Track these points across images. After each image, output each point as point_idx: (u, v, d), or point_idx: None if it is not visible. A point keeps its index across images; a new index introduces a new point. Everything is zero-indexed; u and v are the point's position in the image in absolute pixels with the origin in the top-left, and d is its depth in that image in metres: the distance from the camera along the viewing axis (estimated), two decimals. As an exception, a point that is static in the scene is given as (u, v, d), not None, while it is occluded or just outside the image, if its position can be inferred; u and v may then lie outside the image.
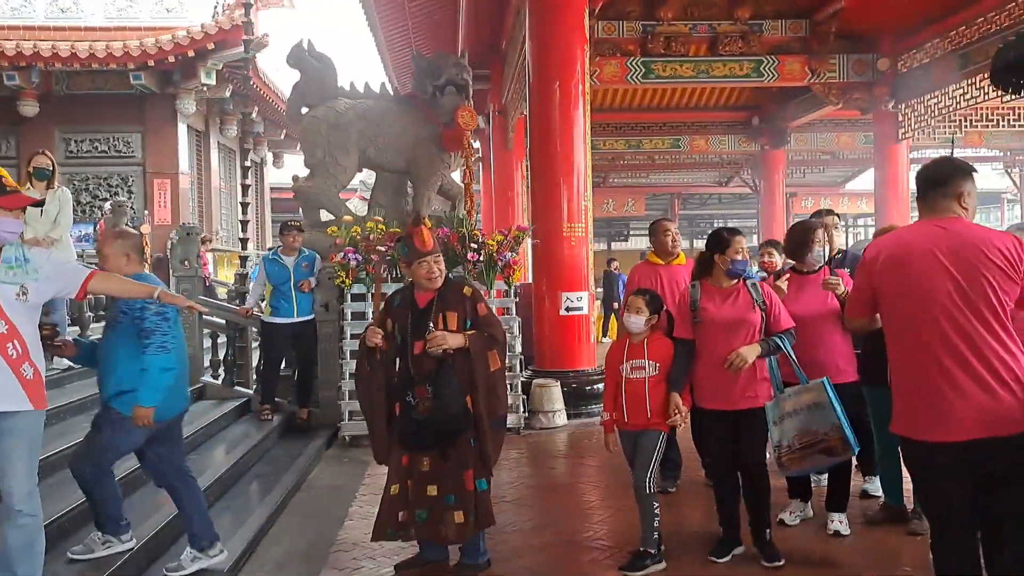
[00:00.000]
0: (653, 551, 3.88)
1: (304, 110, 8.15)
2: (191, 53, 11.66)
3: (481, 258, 7.13)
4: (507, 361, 4.01)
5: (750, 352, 3.73)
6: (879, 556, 4.04)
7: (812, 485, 4.57)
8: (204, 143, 14.15)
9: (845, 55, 12.26)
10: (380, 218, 7.52)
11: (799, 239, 4.44)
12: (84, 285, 3.12)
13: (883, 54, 12.13)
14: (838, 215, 5.93)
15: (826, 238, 4.90)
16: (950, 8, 10.48)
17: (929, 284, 2.59)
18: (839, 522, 4.23)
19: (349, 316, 7.19)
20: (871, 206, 18.86)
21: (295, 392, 7.38)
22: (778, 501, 4.30)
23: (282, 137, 17.33)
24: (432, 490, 3.72)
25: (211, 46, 11.68)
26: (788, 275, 4.44)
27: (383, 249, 7.35)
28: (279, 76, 14.84)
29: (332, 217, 8.26)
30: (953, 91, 11.13)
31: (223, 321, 7.66)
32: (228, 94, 13.20)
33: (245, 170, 8.53)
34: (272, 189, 19.06)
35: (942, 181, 2.70)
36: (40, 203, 3.23)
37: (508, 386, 6.70)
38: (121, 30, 12.17)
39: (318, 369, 7.33)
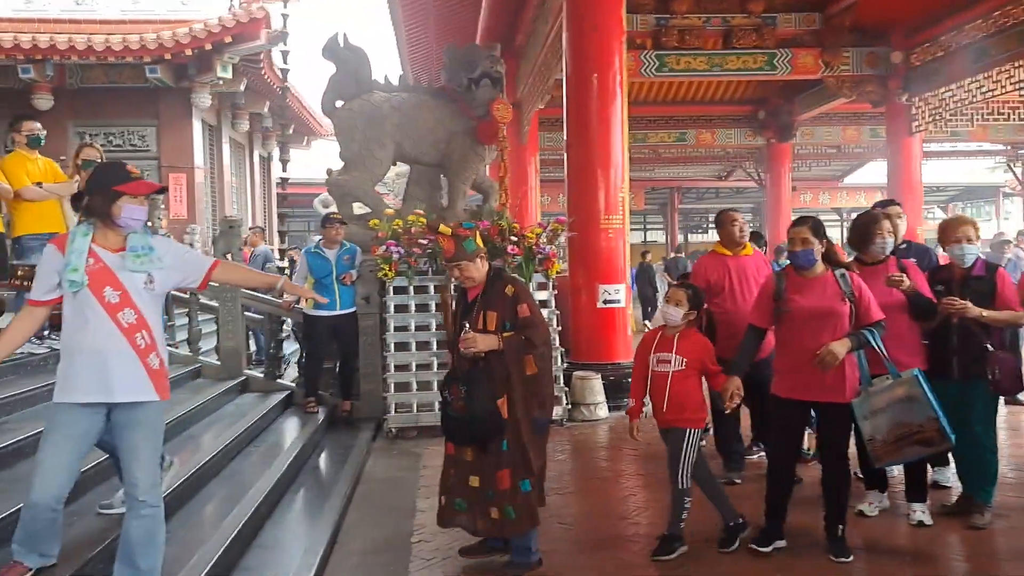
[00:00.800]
0: (680, 536, 3.94)
1: (339, 103, 8.11)
2: (208, 46, 11.58)
3: (520, 251, 7.16)
4: (550, 361, 3.87)
5: (840, 347, 3.70)
6: (966, 547, 4.06)
7: (888, 476, 4.59)
8: (216, 137, 14.06)
9: (858, 48, 12.35)
10: (421, 211, 7.51)
11: (863, 230, 4.41)
12: (207, 275, 3.11)
13: (896, 47, 12.23)
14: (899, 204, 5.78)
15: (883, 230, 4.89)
16: (966, 2, 10.57)
17: None
18: (921, 512, 4.24)
19: (392, 309, 7.19)
20: (870, 200, 19.02)
21: (337, 385, 7.38)
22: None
23: (291, 132, 17.23)
24: (474, 481, 3.74)
25: (228, 39, 11.60)
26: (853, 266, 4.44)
27: (424, 242, 7.36)
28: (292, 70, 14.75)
29: (367, 210, 8.26)
30: (969, 84, 11.23)
31: (261, 316, 7.65)
32: (243, 88, 13.10)
33: (284, 163, 8.48)
34: (279, 183, 18.94)
35: None
36: (164, 189, 3.20)
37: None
38: (136, 23, 12.05)
39: (359, 362, 7.33)
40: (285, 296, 7.53)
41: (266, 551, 4.13)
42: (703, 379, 4.03)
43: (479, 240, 3.84)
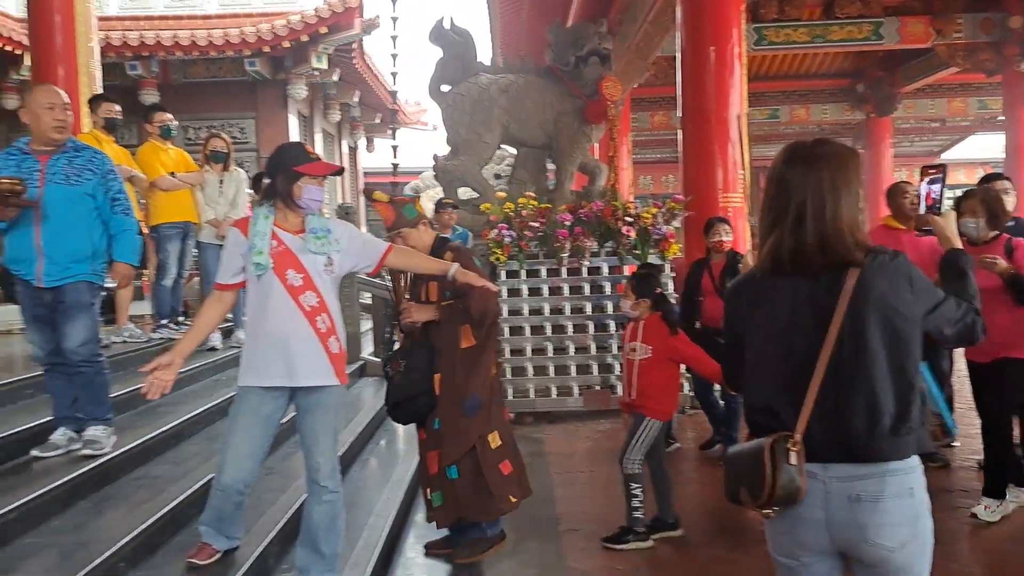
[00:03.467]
0: (638, 528, 3.87)
1: (445, 88, 8.06)
2: (304, 37, 11.71)
3: (635, 232, 6.99)
4: (492, 335, 3.58)
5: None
6: None
7: None
8: (309, 128, 14.25)
9: (972, 14, 11.72)
10: (532, 194, 7.41)
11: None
12: (382, 260, 3.06)
13: (1015, 12, 11.53)
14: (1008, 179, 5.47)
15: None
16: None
17: None
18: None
19: (504, 293, 7.12)
20: (970, 176, 18.11)
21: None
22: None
23: (377, 121, 17.38)
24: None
25: (324, 30, 11.70)
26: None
27: (536, 225, 7.26)
28: (382, 60, 14.83)
29: (474, 195, 8.21)
30: (1100, 47, 10.52)
31: (369, 300, 7.68)
32: (336, 78, 13.23)
33: (394, 149, 8.49)
34: (365, 173, 19.17)
35: None
36: (341, 171, 3.16)
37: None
38: (235, 17, 12.27)
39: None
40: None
41: (419, 528, 4.12)
42: (678, 369, 4.04)
43: (420, 207, 3.65)
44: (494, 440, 3.56)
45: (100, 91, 6.68)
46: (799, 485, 1.70)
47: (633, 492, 3.86)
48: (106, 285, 3.80)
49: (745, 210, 7.52)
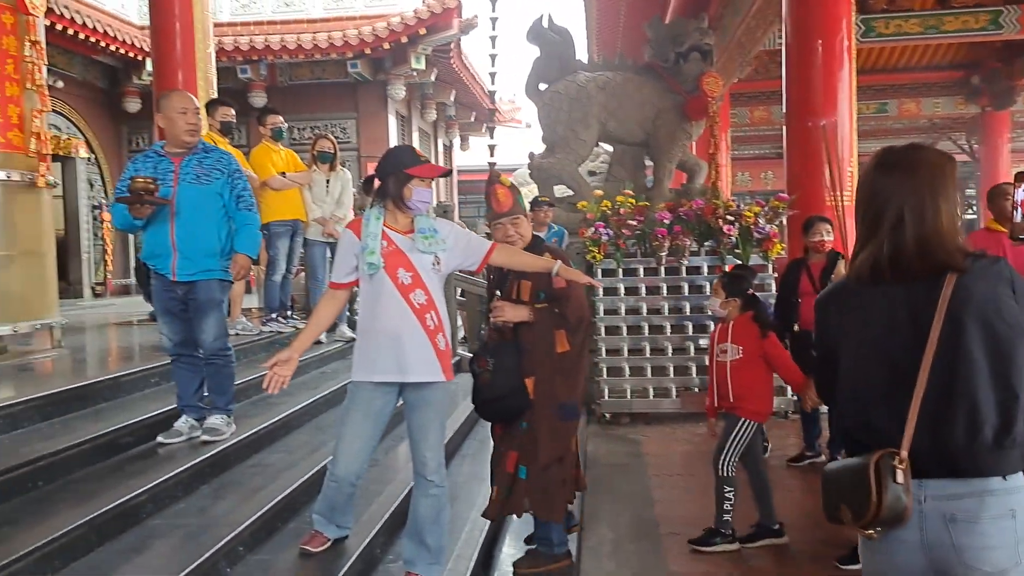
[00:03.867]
0: (725, 531, 3.82)
1: (542, 86, 8.09)
2: (404, 39, 11.96)
3: (736, 231, 6.85)
4: (586, 340, 3.54)
5: None
6: None
7: None
8: (407, 127, 14.55)
9: (1101, -1, 10.97)
10: (630, 191, 7.36)
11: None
12: (486, 257, 3.10)
13: None
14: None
15: None
16: None
17: None
18: None
19: (601, 292, 7.09)
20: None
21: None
22: None
23: (472, 120, 17.58)
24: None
25: (423, 31, 11.92)
26: None
27: (633, 223, 7.21)
28: (478, 59, 15.02)
29: (569, 192, 8.21)
30: None
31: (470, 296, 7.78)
32: (433, 78, 13.46)
33: (491, 148, 8.60)
34: (459, 171, 19.43)
35: None
36: (448, 172, 3.23)
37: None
38: (338, 20, 12.64)
39: (569, 345, 7.30)
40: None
41: (516, 524, 4.16)
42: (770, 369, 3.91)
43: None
44: (575, 445, 3.60)
45: (216, 95, 7.00)
46: (906, 504, 1.64)
47: (726, 495, 3.82)
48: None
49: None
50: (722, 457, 3.82)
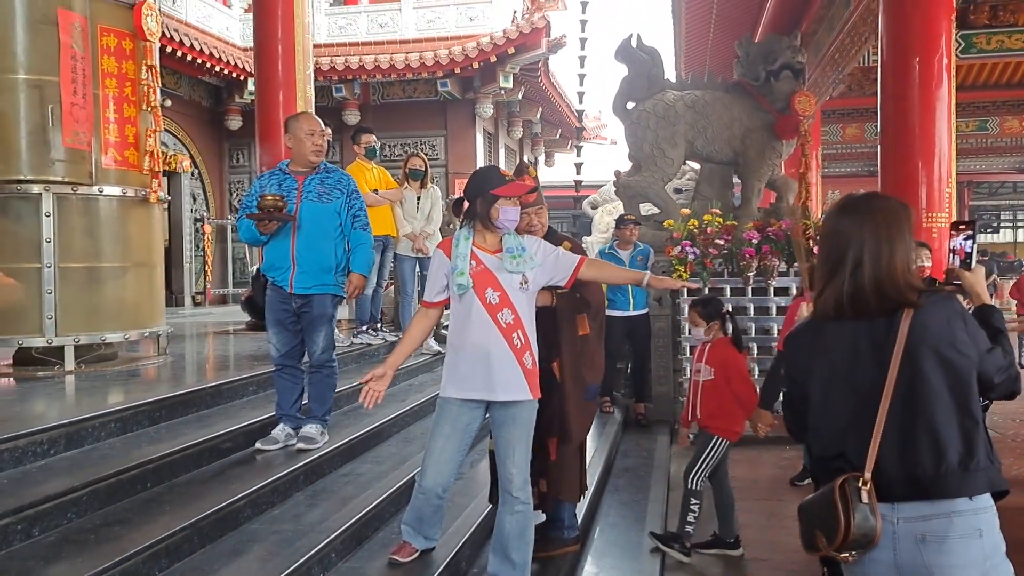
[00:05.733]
0: (684, 540, 4.04)
1: (629, 105, 8.10)
2: (493, 58, 12.15)
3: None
4: (603, 325, 3.65)
5: None
6: None
7: None
8: (494, 145, 14.74)
9: None
10: (718, 211, 7.29)
11: None
12: (575, 273, 3.14)
13: None
14: None
15: None
16: None
17: None
18: None
19: (686, 311, 7.04)
20: None
21: (630, 387, 7.38)
22: None
23: (557, 137, 17.68)
24: None
25: (511, 50, 12.09)
26: None
27: (721, 243, 7.13)
28: (564, 78, 15.12)
29: (655, 210, 8.18)
30: None
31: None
32: (520, 96, 13.62)
33: (578, 167, 8.66)
34: (544, 187, 19.53)
35: None
36: (534, 189, 3.31)
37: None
38: (430, 40, 12.93)
39: (651, 364, 7.27)
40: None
41: (597, 542, 4.21)
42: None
43: None
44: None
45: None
46: (873, 524, 1.73)
47: (691, 508, 4.06)
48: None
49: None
50: (693, 472, 4.06)
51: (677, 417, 6.75)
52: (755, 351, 6.75)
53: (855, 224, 1.90)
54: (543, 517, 3.62)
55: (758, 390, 4.40)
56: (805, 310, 2.24)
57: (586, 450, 3.88)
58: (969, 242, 2.24)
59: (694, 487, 4.07)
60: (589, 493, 4.25)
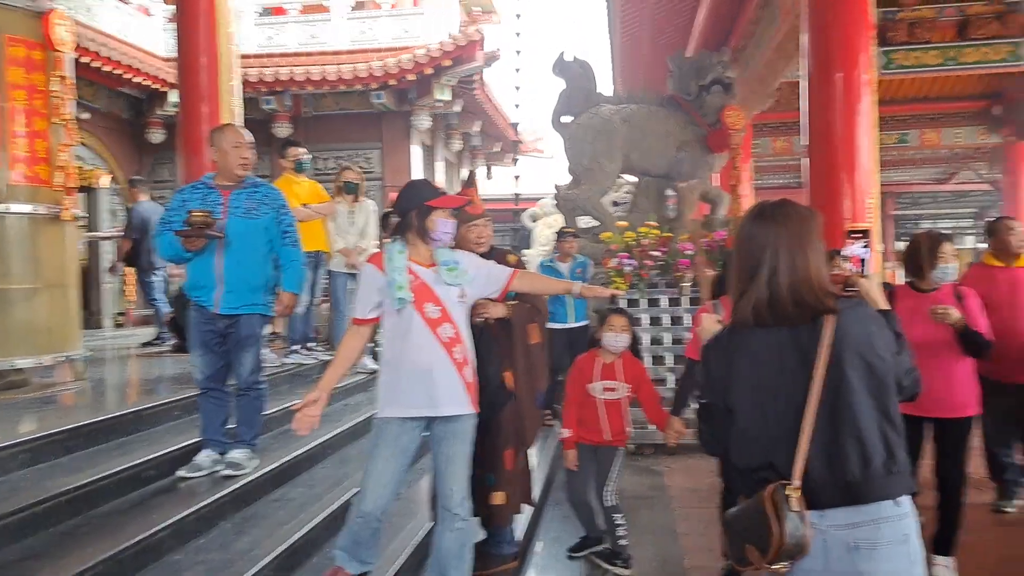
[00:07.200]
0: (623, 555, 4.03)
1: (567, 119, 8.14)
2: (429, 70, 12.05)
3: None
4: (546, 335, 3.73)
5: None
6: None
7: None
8: (431, 157, 14.62)
9: (1125, 31, 10.86)
10: (653, 223, 7.36)
11: (921, 251, 3.71)
12: (507, 285, 3.11)
13: None
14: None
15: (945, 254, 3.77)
16: None
17: None
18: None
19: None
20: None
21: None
22: None
23: (497, 150, 17.67)
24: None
25: (447, 62, 12.01)
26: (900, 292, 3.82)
27: (657, 254, 7.20)
28: (501, 92, 15.11)
29: (593, 223, 8.22)
30: None
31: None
32: (458, 109, 13.55)
33: (516, 179, 8.61)
34: (484, 200, 19.48)
35: None
36: (468, 201, 3.26)
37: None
38: (364, 51, 12.75)
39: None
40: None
41: (538, 557, 4.18)
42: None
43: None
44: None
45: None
46: (804, 532, 1.72)
47: (617, 523, 4.03)
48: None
49: (874, 241, 7.20)
50: (605, 489, 4.03)
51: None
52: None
53: (769, 231, 1.90)
54: (483, 534, 3.54)
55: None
56: (706, 321, 2.15)
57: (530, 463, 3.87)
58: (865, 249, 2.28)
59: (612, 503, 4.05)
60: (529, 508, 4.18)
